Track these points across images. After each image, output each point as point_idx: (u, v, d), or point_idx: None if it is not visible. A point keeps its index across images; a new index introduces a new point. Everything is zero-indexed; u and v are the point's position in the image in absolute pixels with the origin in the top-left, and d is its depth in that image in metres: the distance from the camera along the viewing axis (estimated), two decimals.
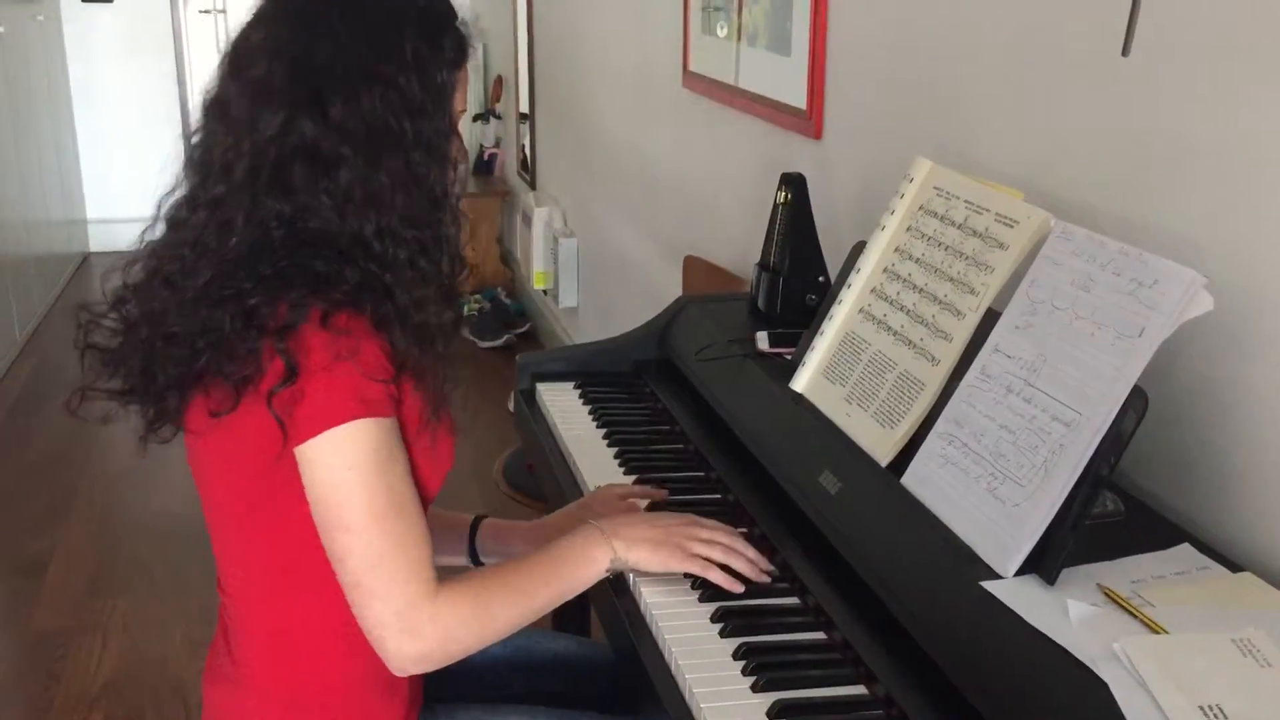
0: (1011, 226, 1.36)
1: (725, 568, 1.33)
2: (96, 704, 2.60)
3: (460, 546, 1.55)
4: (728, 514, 1.52)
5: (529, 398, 1.95)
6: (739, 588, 1.32)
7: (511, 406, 2.01)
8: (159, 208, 1.27)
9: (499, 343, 4.77)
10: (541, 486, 1.92)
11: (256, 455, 1.17)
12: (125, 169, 6.13)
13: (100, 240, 6.20)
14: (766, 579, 1.35)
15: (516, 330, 4.84)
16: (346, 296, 1.16)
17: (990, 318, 1.32)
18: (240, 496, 1.23)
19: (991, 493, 1.20)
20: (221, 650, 1.34)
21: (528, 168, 4.99)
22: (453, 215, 1.25)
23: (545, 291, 4.57)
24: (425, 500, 1.27)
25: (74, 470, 3.71)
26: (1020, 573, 1.15)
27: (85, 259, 6.11)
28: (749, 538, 1.46)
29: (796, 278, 1.86)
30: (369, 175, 1.18)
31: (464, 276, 1.28)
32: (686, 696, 1.19)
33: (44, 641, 2.84)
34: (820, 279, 1.86)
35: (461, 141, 1.31)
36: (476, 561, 1.56)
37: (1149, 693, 0.98)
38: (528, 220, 4.59)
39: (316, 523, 1.16)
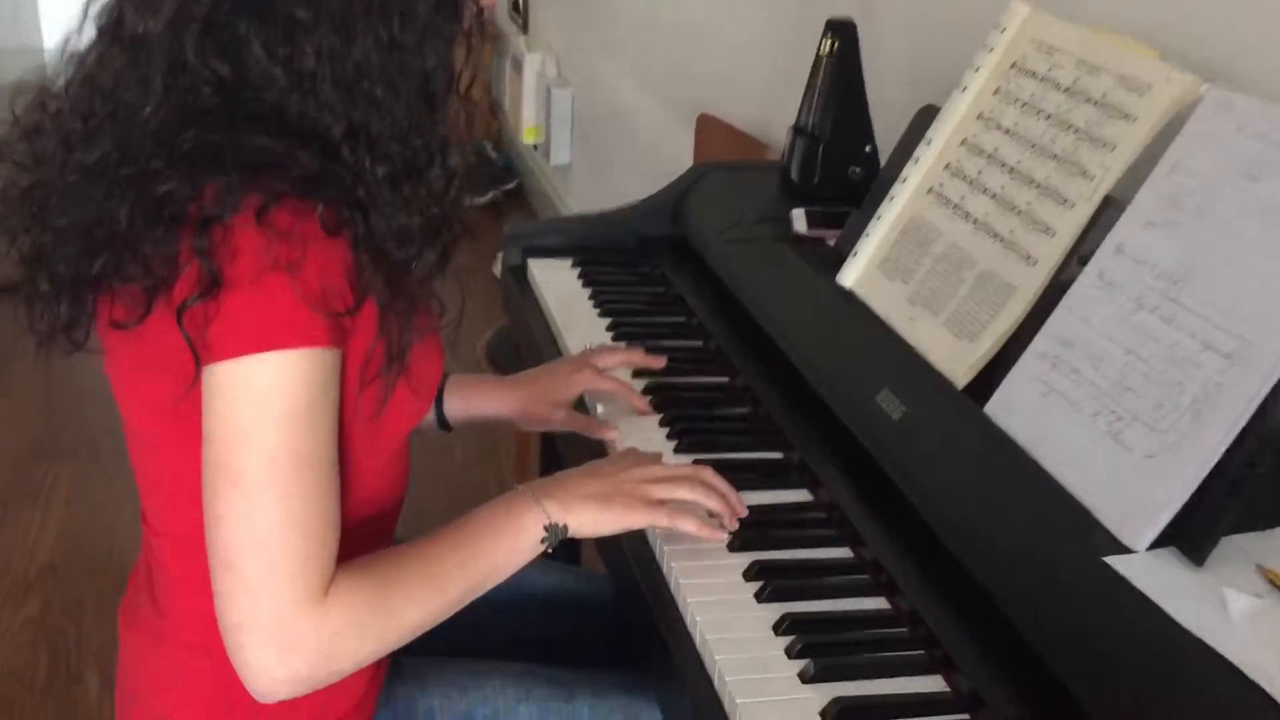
0: (1142, 94, 1.08)
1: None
2: (33, 589, 2.36)
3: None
4: (758, 431, 1.27)
5: (519, 274, 1.67)
6: (723, 536, 1.07)
7: (498, 272, 1.73)
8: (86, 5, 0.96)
9: (484, 200, 4.47)
10: None
11: (174, 377, 0.89)
12: None
13: None
14: (743, 514, 1.09)
15: (503, 187, 4.53)
16: (295, 185, 0.85)
17: (1110, 209, 1.05)
18: (161, 423, 0.95)
19: (1114, 437, 0.94)
20: (143, 590, 1.09)
21: (519, 9, 4.63)
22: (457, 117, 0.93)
23: (535, 146, 4.28)
24: (366, 465, 1.00)
25: (15, 329, 3.42)
26: (1154, 545, 0.89)
27: None
28: (783, 465, 1.21)
29: (839, 146, 1.58)
30: (338, 53, 0.87)
31: (460, 195, 0.95)
32: (715, 682, 0.94)
33: None
34: (867, 149, 1.58)
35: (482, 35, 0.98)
36: (445, 426, 1.33)
37: None
38: (518, 67, 4.27)
39: (204, 469, 0.87)
